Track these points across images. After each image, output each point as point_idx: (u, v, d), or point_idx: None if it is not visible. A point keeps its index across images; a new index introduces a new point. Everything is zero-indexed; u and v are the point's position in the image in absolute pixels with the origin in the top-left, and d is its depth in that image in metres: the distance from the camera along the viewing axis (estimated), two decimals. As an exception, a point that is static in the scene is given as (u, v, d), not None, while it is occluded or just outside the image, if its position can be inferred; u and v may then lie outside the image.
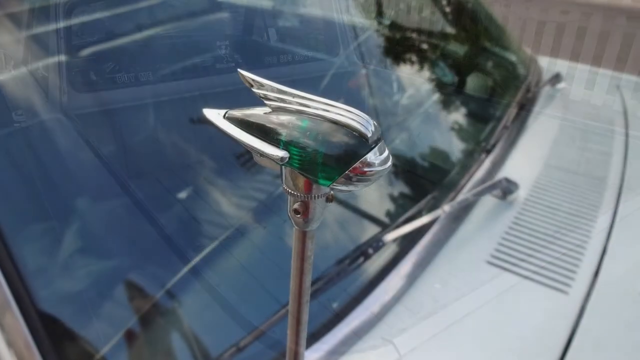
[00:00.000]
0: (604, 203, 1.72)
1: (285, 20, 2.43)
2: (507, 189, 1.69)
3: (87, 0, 1.77)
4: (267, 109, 0.57)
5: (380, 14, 2.64)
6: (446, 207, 1.56)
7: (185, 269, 1.37)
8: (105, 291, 1.36)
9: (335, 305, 1.34)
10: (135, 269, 1.41)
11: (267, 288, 1.41)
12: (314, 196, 0.58)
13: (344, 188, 0.55)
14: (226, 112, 0.60)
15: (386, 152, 0.54)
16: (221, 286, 1.43)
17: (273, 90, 0.56)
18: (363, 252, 1.42)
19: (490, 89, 2.54)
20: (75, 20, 1.74)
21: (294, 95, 0.55)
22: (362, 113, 0.53)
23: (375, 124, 0.53)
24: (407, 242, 1.52)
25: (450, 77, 2.48)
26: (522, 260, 1.48)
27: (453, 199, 1.67)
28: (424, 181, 1.92)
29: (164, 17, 1.95)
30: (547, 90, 2.46)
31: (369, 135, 0.52)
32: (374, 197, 1.71)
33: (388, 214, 1.69)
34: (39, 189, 1.47)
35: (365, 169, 0.53)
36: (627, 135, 2.14)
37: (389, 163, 0.54)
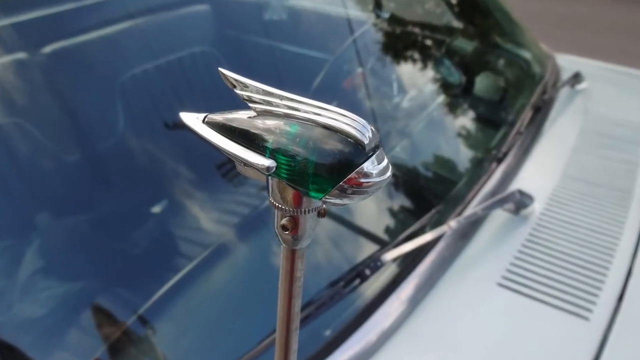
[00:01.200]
0: (629, 218, 1.73)
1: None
2: (520, 202, 1.69)
3: None
4: (252, 113, 0.57)
5: (378, 6, 2.65)
6: (452, 223, 1.57)
7: (160, 293, 1.37)
8: (70, 317, 1.35)
9: (328, 332, 1.34)
10: (103, 292, 1.41)
11: (251, 313, 1.41)
12: (304, 210, 0.58)
13: (337, 201, 0.55)
14: (205, 116, 0.60)
15: (385, 161, 0.54)
16: (200, 311, 1.43)
17: (258, 91, 0.56)
18: (359, 273, 1.42)
19: (502, 90, 2.55)
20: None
21: (281, 97, 0.55)
22: (358, 117, 0.53)
23: (373, 129, 0.53)
24: (409, 262, 1.52)
25: (457, 76, 2.49)
26: (537, 281, 1.49)
27: (460, 213, 1.67)
28: (428, 193, 1.93)
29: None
30: (566, 91, 2.47)
31: (366, 142, 0.52)
32: (372, 211, 1.72)
33: (387, 230, 1.69)
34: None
35: (362, 180, 0.53)
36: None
37: (388, 173, 0.55)
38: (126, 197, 1.63)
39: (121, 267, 1.49)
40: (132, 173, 1.64)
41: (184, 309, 1.40)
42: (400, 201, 1.83)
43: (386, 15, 2.64)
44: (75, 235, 1.50)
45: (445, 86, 2.42)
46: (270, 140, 0.54)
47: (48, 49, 1.73)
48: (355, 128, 0.52)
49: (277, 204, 0.58)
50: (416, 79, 2.39)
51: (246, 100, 0.57)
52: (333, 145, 0.52)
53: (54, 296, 1.37)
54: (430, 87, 2.39)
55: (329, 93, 2.14)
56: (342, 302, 1.37)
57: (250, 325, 1.37)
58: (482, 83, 2.51)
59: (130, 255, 1.49)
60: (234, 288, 1.49)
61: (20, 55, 1.65)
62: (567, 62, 2.76)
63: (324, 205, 0.58)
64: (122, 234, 1.52)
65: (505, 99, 2.48)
